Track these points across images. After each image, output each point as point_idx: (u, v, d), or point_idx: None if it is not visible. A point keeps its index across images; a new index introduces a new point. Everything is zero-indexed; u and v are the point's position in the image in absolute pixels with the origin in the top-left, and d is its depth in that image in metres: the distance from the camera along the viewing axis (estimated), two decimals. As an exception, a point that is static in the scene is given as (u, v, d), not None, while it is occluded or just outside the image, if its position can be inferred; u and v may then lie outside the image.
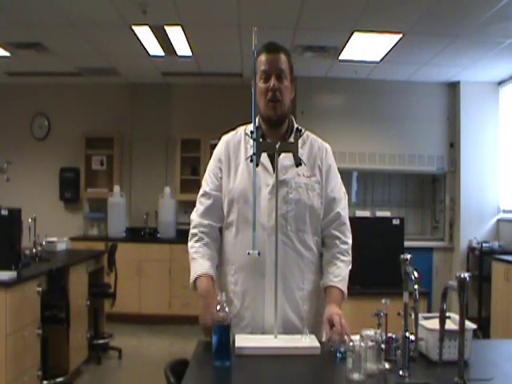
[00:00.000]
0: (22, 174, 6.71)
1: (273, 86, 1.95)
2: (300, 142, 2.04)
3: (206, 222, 2.03)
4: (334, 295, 1.98)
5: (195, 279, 1.95)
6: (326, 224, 2.06)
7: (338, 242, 2.05)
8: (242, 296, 1.99)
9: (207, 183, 2.08)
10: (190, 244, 2.04)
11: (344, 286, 2.00)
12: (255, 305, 1.97)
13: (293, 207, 1.98)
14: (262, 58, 1.99)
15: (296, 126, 2.05)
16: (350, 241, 2.08)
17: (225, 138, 2.13)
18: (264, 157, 1.99)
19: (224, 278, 2.05)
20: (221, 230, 2.07)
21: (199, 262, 1.98)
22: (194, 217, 2.07)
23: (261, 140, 1.96)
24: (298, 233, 1.99)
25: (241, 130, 2.13)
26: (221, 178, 2.05)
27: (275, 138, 2.01)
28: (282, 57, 1.99)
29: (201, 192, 2.09)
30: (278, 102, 1.97)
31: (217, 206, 2.05)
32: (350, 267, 2.06)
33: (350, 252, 2.07)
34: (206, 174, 2.11)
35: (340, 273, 2.00)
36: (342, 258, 2.03)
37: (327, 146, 2.14)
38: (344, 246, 2.05)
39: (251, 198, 1.94)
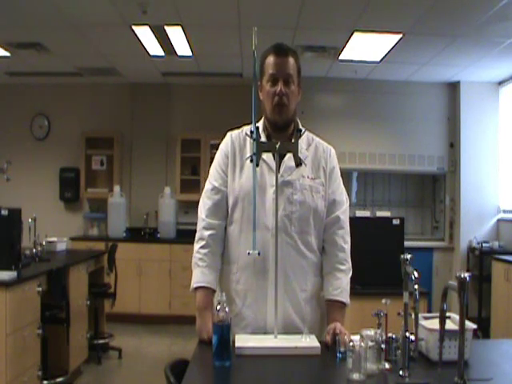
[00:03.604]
0: (22, 174, 6.71)
1: (280, 91, 1.94)
2: (305, 143, 2.06)
3: (214, 221, 2.01)
4: (336, 311, 1.98)
5: (196, 288, 1.96)
6: (325, 226, 2.04)
7: (336, 249, 2.03)
8: (244, 295, 1.98)
9: (215, 178, 2.05)
10: (195, 247, 2.01)
11: (344, 297, 1.99)
12: (257, 305, 1.96)
13: (297, 208, 1.97)
14: (270, 60, 1.97)
15: (300, 127, 2.04)
16: (347, 246, 2.05)
17: (231, 136, 2.11)
18: (269, 157, 1.99)
19: (226, 276, 2.04)
20: (225, 228, 2.05)
21: (203, 272, 1.97)
22: (202, 213, 2.03)
23: (264, 140, 1.97)
24: (301, 234, 1.98)
25: (246, 128, 2.11)
26: (227, 174, 2.04)
27: (281, 139, 1.98)
28: (291, 60, 1.98)
29: (209, 186, 2.05)
30: (285, 107, 1.96)
31: (224, 202, 2.03)
32: (350, 274, 2.04)
33: (349, 258, 2.05)
34: (213, 169, 2.08)
35: (339, 284, 1.99)
36: (341, 267, 2.01)
37: (332, 148, 2.14)
38: (342, 255, 2.03)
39: (257, 197, 1.92)
